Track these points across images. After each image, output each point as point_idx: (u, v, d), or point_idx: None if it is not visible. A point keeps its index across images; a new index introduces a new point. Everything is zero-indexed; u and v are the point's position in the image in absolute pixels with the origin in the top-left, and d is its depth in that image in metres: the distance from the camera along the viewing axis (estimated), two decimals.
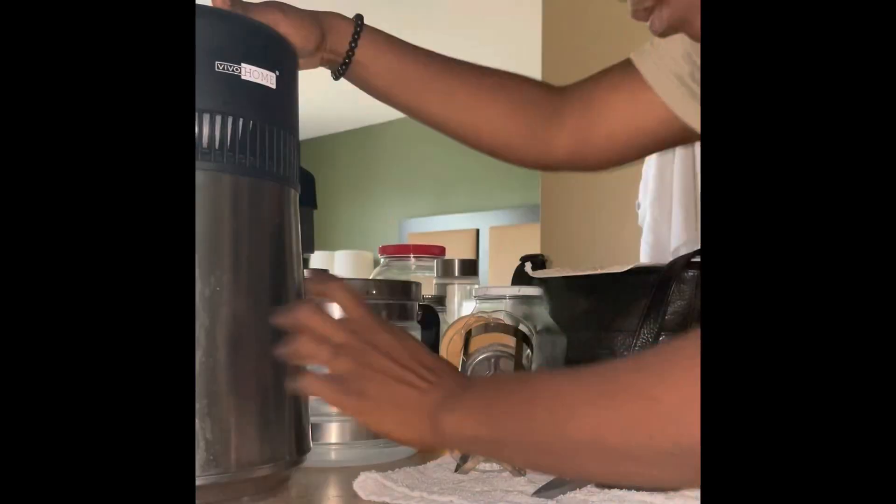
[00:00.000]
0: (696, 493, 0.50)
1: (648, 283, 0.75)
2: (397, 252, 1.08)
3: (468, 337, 0.64)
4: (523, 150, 0.77)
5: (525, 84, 0.77)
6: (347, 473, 0.57)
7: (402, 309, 0.70)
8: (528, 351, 0.63)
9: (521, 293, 0.80)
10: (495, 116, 0.74)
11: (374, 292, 0.67)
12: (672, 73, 0.73)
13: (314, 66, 0.68)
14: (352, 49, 0.68)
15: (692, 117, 0.73)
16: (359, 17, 0.69)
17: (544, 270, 0.86)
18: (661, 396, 0.38)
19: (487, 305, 0.82)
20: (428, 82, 0.72)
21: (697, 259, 0.75)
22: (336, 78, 0.71)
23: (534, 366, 0.67)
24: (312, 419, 0.60)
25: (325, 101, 4.68)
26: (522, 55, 3.46)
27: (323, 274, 0.65)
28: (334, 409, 0.66)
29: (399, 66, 0.71)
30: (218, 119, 0.49)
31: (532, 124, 0.75)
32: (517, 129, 0.75)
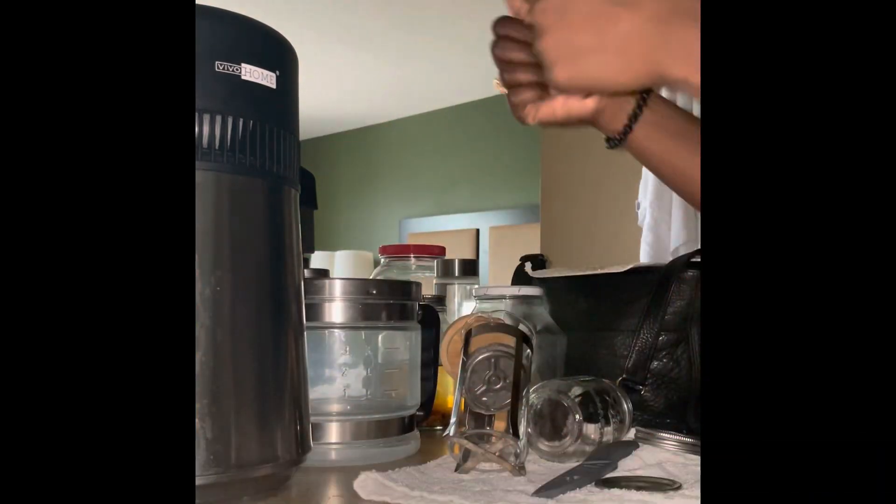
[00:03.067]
0: (696, 493, 0.50)
1: (648, 282, 0.75)
2: (397, 252, 1.08)
3: (468, 337, 0.64)
4: None
5: None
6: (348, 473, 0.57)
7: (402, 309, 0.70)
8: (528, 351, 0.63)
9: (521, 293, 0.80)
10: None
11: (374, 292, 0.67)
12: None
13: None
14: (625, 132, 0.66)
15: None
16: (640, 103, 0.65)
17: (544, 270, 0.86)
18: None
19: (487, 305, 0.82)
20: None
21: (697, 259, 0.75)
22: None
23: (534, 366, 0.67)
24: (313, 419, 0.60)
25: (325, 101, 4.69)
26: None
27: None
28: (342, 410, 0.66)
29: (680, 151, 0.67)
30: (218, 119, 0.50)
31: None
32: None
